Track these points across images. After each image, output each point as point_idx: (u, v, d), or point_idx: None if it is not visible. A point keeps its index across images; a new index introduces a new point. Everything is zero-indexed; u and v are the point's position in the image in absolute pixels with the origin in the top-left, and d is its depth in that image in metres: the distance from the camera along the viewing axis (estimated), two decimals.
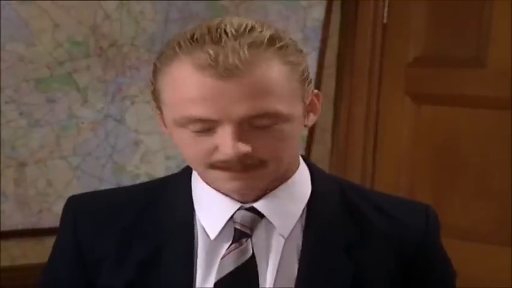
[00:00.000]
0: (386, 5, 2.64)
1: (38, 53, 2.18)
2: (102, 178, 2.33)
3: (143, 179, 2.37)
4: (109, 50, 2.28)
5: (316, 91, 1.08)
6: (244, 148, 0.97)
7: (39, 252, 2.27)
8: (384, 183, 2.65)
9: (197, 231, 1.09)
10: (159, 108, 1.04)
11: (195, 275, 1.06)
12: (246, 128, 0.97)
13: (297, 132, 1.04)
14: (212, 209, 1.08)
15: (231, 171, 1.00)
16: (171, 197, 1.12)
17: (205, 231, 1.08)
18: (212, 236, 1.07)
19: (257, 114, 0.96)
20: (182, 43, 0.97)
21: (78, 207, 1.15)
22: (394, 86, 2.65)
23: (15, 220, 2.25)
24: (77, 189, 2.27)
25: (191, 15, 2.36)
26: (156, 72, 1.02)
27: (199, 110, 0.96)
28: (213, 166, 1.00)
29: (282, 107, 0.97)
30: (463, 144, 2.54)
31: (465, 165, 2.54)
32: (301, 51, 1.04)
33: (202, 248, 1.07)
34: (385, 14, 2.65)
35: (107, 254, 1.10)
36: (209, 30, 0.97)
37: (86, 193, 1.22)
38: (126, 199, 1.15)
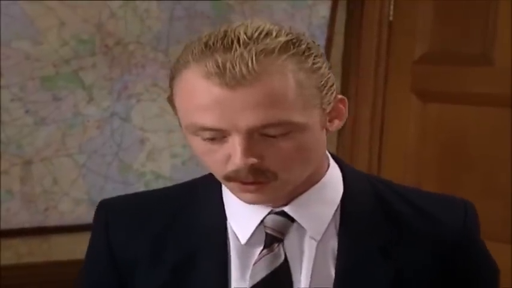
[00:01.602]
0: (392, 2, 2.63)
1: (44, 51, 2.18)
2: (108, 176, 2.33)
3: (149, 177, 2.37)
4: (115, 48, 2.28)
5: (340, 96, 1.05)
6: (253, 159, 0.95)
7: (45, 250, 2.27)
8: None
9: (229, 236, 1.08)
10: (176, 114, 1.04)
11: (230, 280, 1.06)
12: (257, 137, 0.95)
13: (317, 140, 1.01)
14: (242, 213, 1.07)
15: (242, 183, 0.98)
16: (202, 201, 1.11)
17: (237, 236, 1.07)
18: (243, 240, 1.06)
19: (266, 124, 0.94)
20: (195, 49, 0.96)
21: (110, 210, 1.15)
22: (400, 84, 2.65)
23: (21, 218, 2.25)
24: (83, 187, 2.27)
25: (196, 14, 2.36)
26: (171, 78, 1.01)
27: (207, 119, 0.95)
28: (228, 178, 0.99)
29: (294, 116, 0.95)
30: (469, 142, 2.53)
31: (471, 163, 2.53)
32: (322, 55, 1.01)
33: (234, 253, 1.07)
34: (391, 12, 2.64)
35: (139, 258, 1.10)
36: (224, 36, 0.95)
37: (118, 196, 1.21)
38: (158, 203, 1.14)
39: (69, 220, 2.24)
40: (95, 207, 1.18)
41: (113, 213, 1.14)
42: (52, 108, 2.23)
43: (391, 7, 2.64)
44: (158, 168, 2.39)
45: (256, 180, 0.98)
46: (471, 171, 2.53)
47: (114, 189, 2.30)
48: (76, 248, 2.11)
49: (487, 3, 2.45)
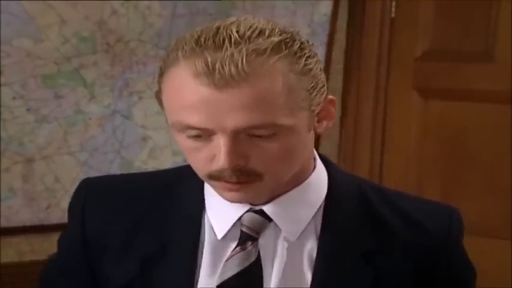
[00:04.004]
0: None
1: (45, 48, 2.18)
2: (110, 174, 2.32)
3: None
4: (116, 45, 2.28)
5: (330, 97, 1.03)
6: (238, 160, 0.94)
7: (47, 248, 2.27)
8: (391, 178, 2.64)
9: (204, 229, 1.07)
10: (163, 109, 1.03)
11: (199, 273, 1.05)
12: (242, 137, 0.94)
13: (303, 142, 0.99)
14: (222, 208, 1.06)
15: (226, 182, 0.97)
16: (183, 191, 1.11)
17: (213, 230, 1.06)
18: (219, 235, 1.06)
19: (252, 126, 0.92)
20: (186, 46, 0.94)
21: (90, 190, 1.14)
22: (402, 81, 2.64)
23: (23, 216, 2.25)
24: None
25: (198, 11, 2.36)
26: (159, 74, 1.00)
27: (193, 118, 0.93)
28: (211, 176, 0.98)
29: (281, 119, 0.93)
30: (471, 139, 2.53)
31: (473, 160, 2.53)
32: (314, 56, 0.98)
33: (208, 247, 1.06)
34: (393, 9, 2.64)
35: (110, 244, 1.09)
36: (216, 33, 0.93)
37: (101, 176, 1.21)
38: (139, 188, 1.13)
39: None
40: None
41: (92, 193, 1.13)
42: (53, 106, 2.23)
43: (393, 4, 2.63)
44: (160, 166, 2.39)
45: (240, 180, 0.96)
46: (473, 168, 2.53)
47: None
48: None
49: (489, 0, 2.45)
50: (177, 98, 0.95)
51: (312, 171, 1.08)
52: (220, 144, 0.94)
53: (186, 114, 0.94)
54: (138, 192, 1.12)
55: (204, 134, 0.95)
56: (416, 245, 1.07)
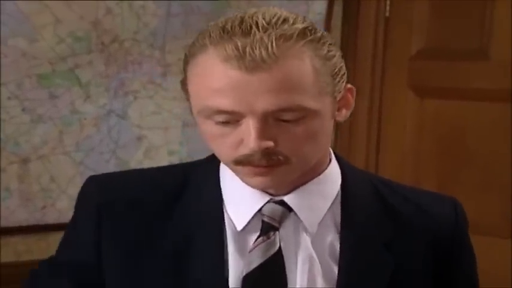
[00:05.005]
0: None
1: (40, 48, 2.18)
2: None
3: None
4: (111, 45, 2.28)
5: (349, 86, 1.06)
6: (267, 143, 0.96)
7: (44, 248, 2.27)
8: (387, 176, 2.62)
9: (226, 222, 1.08)
10: (188, 99, 1.03)
11: (227, 265, 1.05)
12: (271, 121, 0.96)
13: (327, 128, 1.02)
14: (241, 200, 1.07)
15: (255, 167, 0.98)
16: (199, 186, 1.11)
17: (233, 223, 1.07)
18: (239, 227, 1.06)
19: (282, 108, 0.94)
20: (213, 34, 0.96)
21: (101, 187, 1.13)
22: (397, 79, 2.65)
23: (19, 216, 2.25)
24: (81, 185, 2.26)
25: (193, 10, 2.36)
26: (185, 62, 1.01)
27: (223, 102, 0.95)
28: (238, 162, 0.99)
29: (309, 102, 0.96)
30: (466, 137, 2.54)
31: (469, 159, 2.53)
32: (334, 44, 1.02)
33: (231, 239, 1.06)
34: (387, 8, 2.64)
35: (127, 239, 1.08)
36: (241, 21, 0.96)
37: (108, 174, 1.19)
38: (151, 184, 1.13)
39: (67, 218, 2.22)
40: None
41: (103, 193, 1.12)
42: (49, 106, 2.23)
43: (387, 2, 2.64)
44: (156, 166, 2.39)
45: (269, 164, 0.98)
46: (469, 166, 2.53)
47: None
48: None
49: None
50: (206, 83, 0.96)
51: (329, 164, 1.10)
52: (249, 128, 0.95)
53: (216, 98, 0.95)
54: (151, 188, 1.12)
55: (232, 119, 0.96)
56: (429, 229, 1.12)
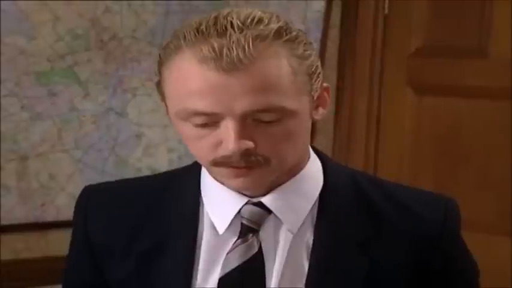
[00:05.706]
0: None
1: (39, 46, 2.17)
2: (105, 171, 2.33)
3: (145, 172, 2.37)
4: (110, 42, 2.28)
5: (325, 84, 1.06)
6: (247, 144, 0.95)
7: (43, 245, 2.27)
8: (386, 174, 2.64)
9: (203, 226, 1.07)
10: (163, 101, 1.03)
11: (196, 269, 1.05)
12: (249, 122, 0.95)
13: (304, 127, 1.02)
14: (220, 203, 1.06)
15: (234, 168, 0.98)
16: (179, 190, 1.11)
17: (214, 226, 1.07)
18: (221, 230, 1.06)
19: (261, 109, 0.94)
20: (187, 35, 0.96)
21: (91, 196, 1.15)
22: (396, 77, 2.65)
23: (18, 214, 2.25)
24: (80, 182, 2.27)
25: (191, 8, 2.36)
26: (160, 64, 1.00)
27: (201, 104, 0.94)
28: (217, 163, 0.99)
29: (287, 102, 0.95)
30: (465, 135, 2.54)
31: (467, 156, 2.53)
32: (310, 43, 1.02)
33: (207, 243, 1.06)
34: (386, 5, 2.64)
35: (114, 249, 1.10)
36: (215, 22, 0.95)
37: (104, 184, 1.22)
38: (137, 192, 1.14)
39: (65, 215, 2.24)
40: None
41: (92, 202, 1.14)
42: (48, 104, 2.22)
43: (386, 1, 2.64)
44: (155, 163, 2.39)
45: (248, 165, 0.97)
46: (467, 164, 2.54)
47: None
48: None
49: None
50: (182, 85, 0.96)
51: (307, 162, 1.09)
52: (228, 129, 0.95)
53: (193, 100, 0.94)
54: (137, 196, 1.13)
55: (210, 120, 0.96)
56: (412, 233, 1.08)
